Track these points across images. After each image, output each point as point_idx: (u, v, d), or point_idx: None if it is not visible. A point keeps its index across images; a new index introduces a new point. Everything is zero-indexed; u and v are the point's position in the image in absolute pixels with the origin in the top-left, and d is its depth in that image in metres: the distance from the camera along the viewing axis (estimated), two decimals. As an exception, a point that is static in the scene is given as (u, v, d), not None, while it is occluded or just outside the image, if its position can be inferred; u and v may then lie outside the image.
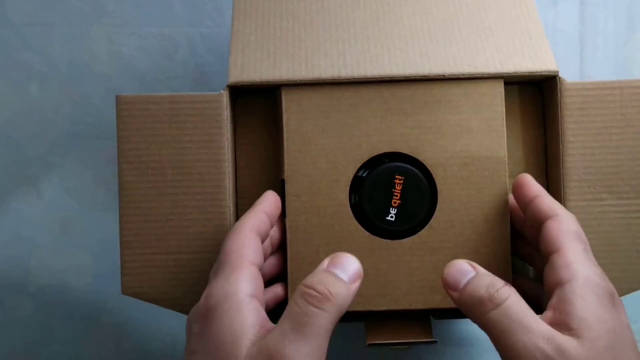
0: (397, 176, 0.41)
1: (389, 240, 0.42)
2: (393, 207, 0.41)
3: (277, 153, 0.44)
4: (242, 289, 0.33)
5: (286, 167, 0.41)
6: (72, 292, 0.59)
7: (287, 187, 0.41)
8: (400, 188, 0.41)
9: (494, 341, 0.32)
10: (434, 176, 0.42)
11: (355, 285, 0.34)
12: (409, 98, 0.41)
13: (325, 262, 0.34)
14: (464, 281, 0.34)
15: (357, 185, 0.42)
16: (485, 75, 0.41)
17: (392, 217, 0.41)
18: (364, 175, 0.42)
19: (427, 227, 0.42)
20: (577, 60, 0.62)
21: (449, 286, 0.35)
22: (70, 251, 0.59)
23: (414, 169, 0.42)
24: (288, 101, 0.41)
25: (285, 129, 0.41)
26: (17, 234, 0.59)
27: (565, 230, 0.36)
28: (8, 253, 0.59)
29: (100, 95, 0.60)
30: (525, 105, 0.45)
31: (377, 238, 0.42)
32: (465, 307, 0.34)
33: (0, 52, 0.60)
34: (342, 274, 0.33)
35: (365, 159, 0.42)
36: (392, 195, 0.41)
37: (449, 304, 0.39)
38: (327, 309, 0.31)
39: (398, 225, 0.42)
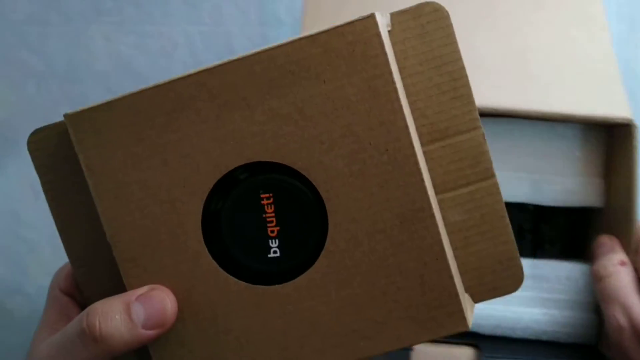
0: (262, 195, 0.29)
1: (277, 286, 0.30)
2: (272, 238, 0.29)
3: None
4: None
5: (106, 226, 0.30)
6: (70, 293, 0.59)
7: (116, 251, 0.30)
8: (272, 210, 0.29)
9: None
10: (312, 182, 0.29)
11: (151, 332, 0.28)
12: (246, 81, 0.29)
13: (140, 290, 0.29)
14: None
15: (212, 224, 0.30)
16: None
17: (275, 252, 0.29)
18: (218, 207, 0.30)
19: (323, 253, 0.29)
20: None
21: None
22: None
23: (283, 177, 0.29)
24: (79, 133, 0.30)
25: (87, 173, 0.29)
26: (15, 234, 0.59)
27: None
28: (6, 254, 0.59)
29: (98, 94, 0.59)
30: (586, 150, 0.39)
31: (261, 287, 0.30)
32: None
33: (-2, 50, 0.59)
34: (138, 315, 0.28)
35: (212, 182, 0.29)
36: (266, 223, 0.29)
37: (379, 349, 0.30)
38: (90, 348, 0.27)
39: (287, 260, 0.29)
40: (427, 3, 0.29)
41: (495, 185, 0.31)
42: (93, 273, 0.33)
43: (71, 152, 0.30)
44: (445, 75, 0.30)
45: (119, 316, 0.27)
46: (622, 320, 0.36)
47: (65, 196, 0.32)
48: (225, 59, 0.29)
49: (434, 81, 0.30)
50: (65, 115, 0.30)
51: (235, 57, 0.29)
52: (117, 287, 0.31)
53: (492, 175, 0.31)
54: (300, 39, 0.28)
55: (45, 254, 0.59)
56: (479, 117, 0.30)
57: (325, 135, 0.29)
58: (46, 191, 0.32)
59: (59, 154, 0.31)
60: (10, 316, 0.59)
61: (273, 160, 0.29)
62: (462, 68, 0.30)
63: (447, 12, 0.30)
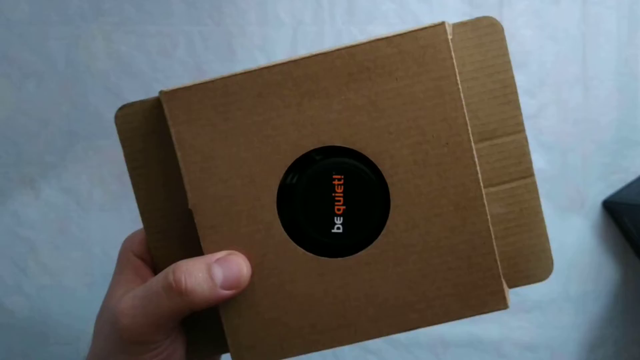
0: (335, 176, 0.33)
1: (339, 259, 0.33)
2: (338, 215, 0.33)
3: (179, 172, 0.35)
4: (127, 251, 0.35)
5: (190, 194, 0.33)
6: (70, 293, 0.59)
7: (197, 219, 0.33)
8: (341, 190, 0.33)
9: None
10: (379, 167, 0.33)
11: (227, 292, 0.31)
12: (327, 73, 0.32)
13: (219, 254, 0.32)
14: None
15: (286, 197, 0.33)
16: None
17: (338, 228, 0.33)
18: (294, 181, 0.33)
19: (383, 232, 0.33)
20: (579, 59, 0.61)
21: None
22: (67, 251, 0.59)
23: (355, 162, 0.33)
24: (173, 109, 0.33)
25: (177, 146, 0.33)
26: (15, 234, 0.59)
27: None
28: (5, 253, 0.59)
29: (98, 94, 0.59)
30: None
31: (325, 258, 0.33)
32: None
33: (-2, 50, 0.59)
34: (218, 276, 0.31)
35: (289, 162, 0.33)
36: (334, 201, 0.33)
37: (428, 321, 0.33)
38: (174, 300, 0.30)
39: (348, 237, 0.33)
40: (485, 17, 0.34)
41: (534, 184, 0.35)
42: (165, 240, 0.35)
43: (156, 127, 0.34)
44: (497, 83, 0.34)
45: (202, 274, 0.31)
46: None
47: (145, 167, 0.35)
48: (309, 52, 0.32)
49: (487, 87, 0.34)
50: (161, 92, 0.33)
51: (318, 51, 0.32)
52: (187, 254, 0.34)
53: (532, 174, 0.35)
54: (378, 39, 0.32)
55: (45, 254, 0.59)
56: (523, 121, 0.34)
57: (394, 126, 0.33)
58: (128, 162, 0.35)
59: (144, 129, 0.35)
60: (10, 316, 0.59)
61: (346, 146, 0.33)
62: (512, 77, 0.34)
63: (501, 26, 0.34)
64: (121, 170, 0.59)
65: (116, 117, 0.35)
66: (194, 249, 0.34)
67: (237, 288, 0.32)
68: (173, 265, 0.31)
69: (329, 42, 0.60)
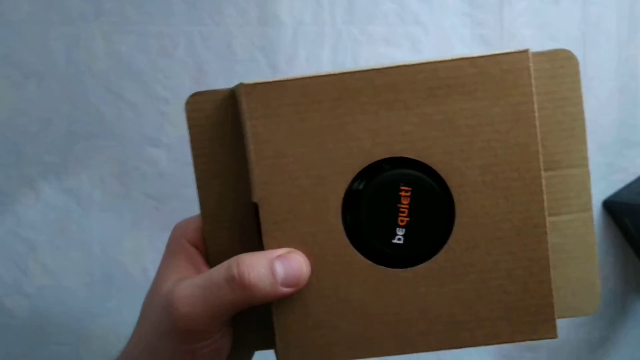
0: (402, 187, 0.33)
1: (397, 270, 0.33)
2: (400, 226, 0.33)
3: (244, 165, 0.35)
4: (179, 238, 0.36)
5: (258, 188, 0.33)
6: (70, 293, 0.59)
7: (262, 213, 0.33)
8: (407, 202, 0.33)
9: None
10: (448, 184, 0.33)
11: (287, 290, 0.32)
12: (408, 85, 0.32)
13: (280, 251, 0.32)
14: None
15: (351, 202, 0.33)
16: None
17: (399, 239, 0.33)
18: (360, 187, 0.33)
19: (444, 249, 0.33)
20: (579, 59, 0.61)
21: None
22: (68, 251, 0.59)
23: (424, 176, 0.33)
24: (252, 103, 0.33)
25: (250, 140, 0.33)
26: (15, 234, 0.59)
27: None
28: (6, 253, 0.59)
29: (98, 94, 0.59)
30: None
31: (382, 267, 0.33)
32: None
33: (-2, 50, 0.59)
34: (279, 273, 0.31)
35: (359, 168, 0.33)
36: (398, 212, 0.33)
37: (477, 342, 0.34)
38: (236, 293, 0.31)
39: (408, 249, 0.33)
40: (563, 50, 0.35)
41: (591, 218, 0.35)
42: (221, 230, 0.35)
43: (226, 118, 0.34)
44: (567, 115, 0.35)
45: (264, 270, 0.31)
46: None
47: (210, 156, 0.35)
48: (391, 63, 0.32)
49: (556, 118, 0.35)
50: (240, 84, 0.33)
51: (401, 62, 0.32)
52: (242, 246, 0.34)
53: (590, 209, 0.35)
54: (462, 58, 0.33)
55: (45, 254, 0.59)
56: (588, 156, 0.35)
57: (467, 145, 0.33)
58: (193, 149, 0.35)
59: (213, 118, 0.35)
60: (10, 316, 0.59)
61: (417, 159, 0.33)
62: (582, 112, 0.35)
63: (577, 60, 0.35)
64: (122, 170, 0.59)
65: (187, 103, 0.35)
66: (249, 243, 0.35)
67: (296, 286, 0.32)
68: (236, 258, 0.32)
69: (329, 42, 0.60)
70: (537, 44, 0.61)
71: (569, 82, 0.35)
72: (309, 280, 0.33)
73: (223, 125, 0.35)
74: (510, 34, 0.61)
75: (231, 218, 0.35)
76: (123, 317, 0.59)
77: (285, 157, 0.33)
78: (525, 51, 0.33)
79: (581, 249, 0.36)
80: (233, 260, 0.31)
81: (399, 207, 0.33)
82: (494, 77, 0.33)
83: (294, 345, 0.34)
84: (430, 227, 0.33)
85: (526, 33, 0.61)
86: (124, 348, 0.35)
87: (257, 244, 0.35)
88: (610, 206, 0.62)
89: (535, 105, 0.33)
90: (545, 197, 0.33)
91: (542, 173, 0.33)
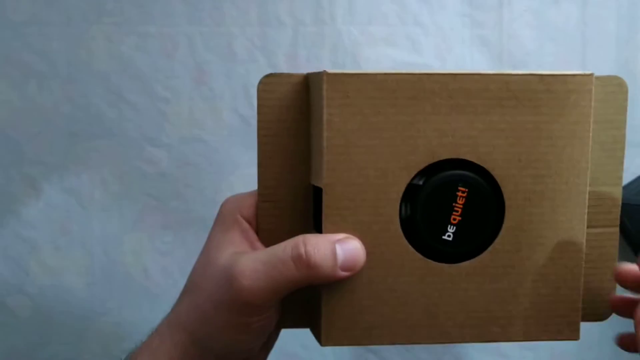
0: (460, 187, 0.35)
1: (443, 264, 0.35)
2: (452, 224, 0.35)
3: (307, 148, 0.37)
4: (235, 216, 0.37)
5: (325, 174, 0.34)
6: (72, 292, 0.59)
7: (326, 198, 0.34)
8: (462, 202, 0.35)
9: None
10: (502, 189, 0.35)
11: (345, 274, 0.33)
12: (480, 93, 0.34)
13: (340, 236, 0.34)
14: None
15: (410, 195, 0.35)
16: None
17: (449, 235, 0.35)
18: (421, 183, 0.35)
19: (489, 249, 0.35)
20: (579, 60, 0.61)
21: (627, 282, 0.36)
22: (69, 251, 0.59)
23: (482, 180, 0.35)
24: (331, 91, 0.33)
25: (325, 127, 0.34)
26: (17, 234, 0.59)
27: None
28: (7, 253, 0.59)
29: (99, 95, 0.59)
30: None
31: (430, 261, 0.35)
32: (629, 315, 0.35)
33: (-1, 51, 0.59)
34: (340, 256, 0.33)
35: (422, 165, 0.34)
36: (452, 210, 0.35)
37: (507, 337, 0.36)
38: (301, 271, 0.32)
39: (456, 246, 0.35)
40: (615, 77, 0.37)
41: (617, 234, 0.39)
42: (276, 209, 0.37)
43: (296, 102, 0.36)
44: (609, 137, 0.37)
45: (328, 252, 0.32)
46: None
47: (274, 137, 0.36)
48: (467, 70, 0.35)
49: (600, 138, 0.37)
50: (324, 72, 0.34)
51: (476, 71, 0.34)
52: (294, 228, 0.36)
53: (617, 225, 0.39)
54: (532, 74, 0.34)
55: (46, 253, 0.59)
56: (622, 177, 0.38)
57: (525, 155, 0.35)
58: (260, 128, 0.36)
59: (284, 100, 0.36)
60: (11, 315, 0.59)
61: (478, 162, 0.35)
62: (624, 135, 0.37)
63: (627, 87, 0.37)
64: (122, 170, 0.59)
65: (260, 82, 0.36)
66: (300, 225, 0.37)
67: (352, 270, 0.33)
68: (302, 237, 0.33)
69: (329, 43, 0.60)
70: (536, 44, 0.61)
71: (616, 107, 0.37)
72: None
73: (291, 109, 0.36)
74: (509, 34, 0.61)
75: (285, 199, 0.37)
76: (124, 316, 0.59)
77: (356, 148, 0.34)
78: (591, 75, 0.35)
79: (604, 261, 0.38)
80: (300, 239, 0.33)
81: (454, 206, 0.35)
82: (559, 95, 0.35)
83: (338, 327, 0.35)
84: (479, 227, 0.35)
85: (526, 33, 0.61)
86: (167, 314, 0.36)
87: (307, 227, 0.37)
88: (610, 206, 0.62)
89: (591, 126, 0.35)
90: (586, 211, 0.36)
91: (588, 189, 0.36)
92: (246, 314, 0.33)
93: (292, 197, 0.37)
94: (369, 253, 0.34)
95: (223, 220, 0.37)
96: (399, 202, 0.35)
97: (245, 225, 0.36)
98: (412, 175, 0.35)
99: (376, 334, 0.36)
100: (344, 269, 0.33)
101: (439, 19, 0.60)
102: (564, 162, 0.35)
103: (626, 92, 0.37)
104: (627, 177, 0.62)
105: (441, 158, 0.35)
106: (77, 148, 0.59)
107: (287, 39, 0.60)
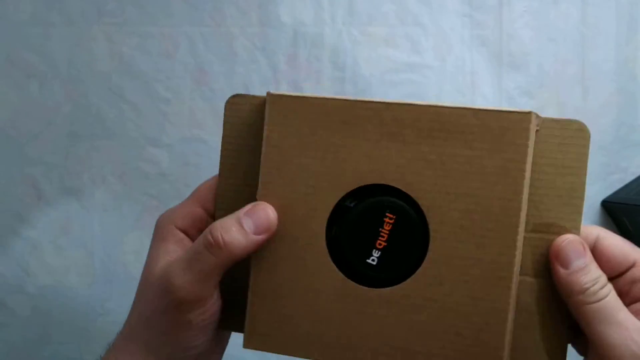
0: (388, 214, 0.35)
1: (365, 287, 0.35)
2: (377, 249, 0.35)
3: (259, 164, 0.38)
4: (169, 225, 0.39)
5: (260, 186, 0.36)
6: (72, 292, 0.59)
7: None
8: (389, 228, 0.35)
9: (586, 328, 0.34)
10: (428, 220, 0.35)
11: (260, 237, 0.35)
12: (412, 123, 0.35)
13: (245, 208, 0.35)
14: (574, 264, 0.34)
15: (339, 216, 0.36)
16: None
17: (373, 260, 0.35)
18: (351, 205, 0.36)
19: (411, 278, 0.35)
20: (578, 60, 0.61)
21: (559, 260, 0.34)
22: (69, 251, 0.59)
23: (410, 209, 0.35)
24: (273, 110, 0.36)
25: (265, 143, 0.36)
26: (17, 233, 0.59)
27: None
28: (8, 253, 0.59)
29: (100, 95, 0.59)
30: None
31: (352, 282, 0.35)
32: (565, 287, 0.34)
33: (0, 51, 0.60)
34: (248, 225, 0.35)
35: (351, 187, 0.35)
36: (379, 235, 0.35)
37: None
38: (217, 254, 0.34)
39: (379, 271, 0.35)
40: (576, 121, 0.35)
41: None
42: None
43: (256, 122, 0.38)
44: (567, 183, 0.35)
45: (235, 228, 0.34)
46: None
47: (235, 151, 0.39)
48: (400, 100, 0.35)
49: (556, 184, 0.35)
50: (268, 93, 0.36)
51: (409, 101, 0.35)
52: None
53: None
54: (467, 108, 0.34)
55: (47, 253, 0.59)
56: (580, 226, 0.35)
57: (453, 188, 0.34)
58: (224, 143, 0.39)
59: (246, 120, 0.38)
60: (11, 315, 0.59)
61: (406, 191, 0.35)
62: (583, 183, 0.35)
63: (589, 133, 0.35)
64: (123, 170, 0.60)
65: (228, 102, 0.38)
66: None
67: (268, 231, 0.35)
68: (209, 227, 0.35)
69: (329, 43, 0.60)
70: (536, 45, 0.62)
71: (575, 153, 0.35)
72: (284, 277, 0.36)
73: (252, 127, 0.38)
74: (509, 34, 0.61)
75: (239, 208, 0.38)
76: (124, 316, 0.59)
77: (290, 165, 0.36)
78: (529, 113, 0.34)
79: (550, 314, 0.36)
80: (207, 229, 0.35)
81: (381, 231, 0.35)
82: (493, 131, 0.34)
83: (259, 332, 0.36)
84: (403, 255, 0.35)
85: (525, 34, 0.61)
86: (122, 329, 0.38)
87: None
88: (609, 206, 0.62)
89: (528, 166, 0.34)
90: (518, 253, 0.34)
91: (521, 230, 0.34)
92: (185, 311, 0.35)
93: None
94: (294, 266, 0.36)
95: (158, 233, 0.39)
96: (326, 220, 0.35)
97: (180, 235, 0.38)
98: (341, 196, 0.35)
99: (292, 345, 0.36)
100: (258, 232, 0.35)
101: (439, 19, 0.61)
102: (495, 199, 0.34)
103: (588, 137, 0.35)
104: (626, 178, 0.62)
105: (369, 182, 0.35)
106: (78, 148, 0.59)
107: (287, 39, 0.60)
